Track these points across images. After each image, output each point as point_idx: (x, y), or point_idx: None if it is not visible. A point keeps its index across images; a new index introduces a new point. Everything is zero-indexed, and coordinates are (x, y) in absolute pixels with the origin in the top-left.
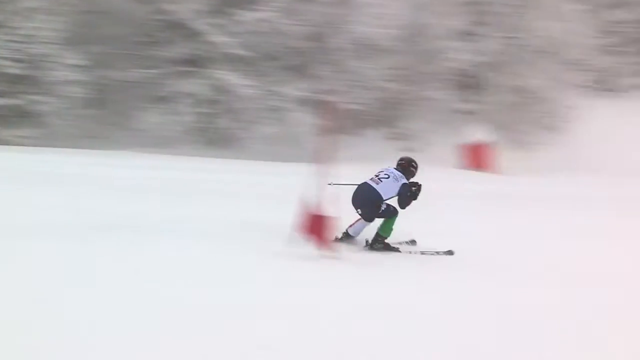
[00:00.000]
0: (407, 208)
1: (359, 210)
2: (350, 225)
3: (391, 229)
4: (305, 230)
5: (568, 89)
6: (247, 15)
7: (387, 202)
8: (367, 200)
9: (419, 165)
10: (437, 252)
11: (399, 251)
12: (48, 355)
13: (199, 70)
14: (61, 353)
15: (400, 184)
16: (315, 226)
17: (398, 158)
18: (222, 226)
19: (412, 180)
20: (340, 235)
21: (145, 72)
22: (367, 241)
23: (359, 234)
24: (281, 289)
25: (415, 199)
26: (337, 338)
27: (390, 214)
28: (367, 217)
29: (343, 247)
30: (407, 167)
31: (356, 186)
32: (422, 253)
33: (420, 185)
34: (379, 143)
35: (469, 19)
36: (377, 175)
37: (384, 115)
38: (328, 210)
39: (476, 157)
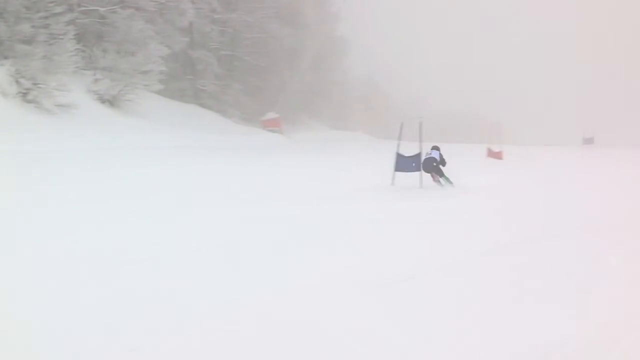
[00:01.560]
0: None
1: (431, 172)
2: (435, 180)
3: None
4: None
5: None
6: None
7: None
8: (429, 164)
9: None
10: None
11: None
12: None
13: None
14: None
15: (439, 153)
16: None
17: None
18: None
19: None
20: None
21: None
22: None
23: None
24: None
25: (444, 162)
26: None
27: (442, 166)
28: (437, 172)
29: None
30: (437, 148)
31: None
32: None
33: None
34: None
35: None
36: (428, 153)
37: None
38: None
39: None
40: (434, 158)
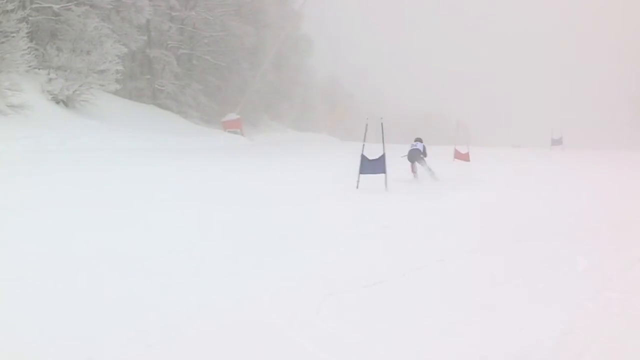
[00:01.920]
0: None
1: (415, 161)
2: (414, 171)
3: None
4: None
5: None
6: None
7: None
8: (415, 154)
9: None
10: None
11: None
12: None
13: None
14: None
15: (422, 145)
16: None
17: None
18: None
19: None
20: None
21: None
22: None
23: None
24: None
25: (426, 154)
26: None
27: (425, 157)
28: (420, 161)
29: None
30: (420, 140)
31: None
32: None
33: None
34: None
35: None
36: (413, 144)
37: None
38: None
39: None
40: (419, 149)
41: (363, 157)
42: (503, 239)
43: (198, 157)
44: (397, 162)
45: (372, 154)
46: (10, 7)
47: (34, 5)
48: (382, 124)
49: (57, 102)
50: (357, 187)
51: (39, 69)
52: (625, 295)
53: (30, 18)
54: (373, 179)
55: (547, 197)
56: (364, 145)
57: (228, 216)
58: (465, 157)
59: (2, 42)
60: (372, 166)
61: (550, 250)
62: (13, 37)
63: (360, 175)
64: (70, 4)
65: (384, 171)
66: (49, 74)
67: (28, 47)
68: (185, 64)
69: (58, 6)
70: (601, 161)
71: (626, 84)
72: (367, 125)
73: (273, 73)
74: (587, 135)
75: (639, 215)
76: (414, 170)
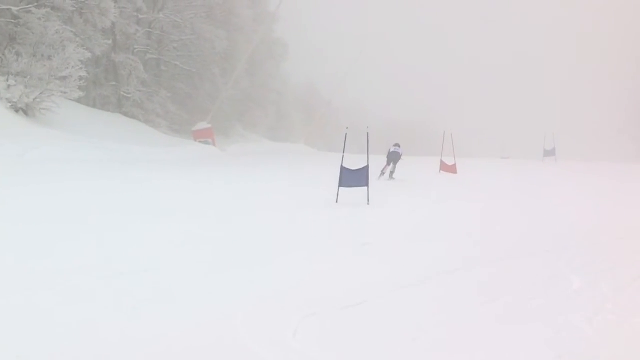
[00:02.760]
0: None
1: (392, 162)
2: (389, 172)
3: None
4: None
5: None
6: None
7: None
8: (396, 157)
9: None
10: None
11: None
12: None
13: None
14: None
15: (400, 149)
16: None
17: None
18: None
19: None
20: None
21: None
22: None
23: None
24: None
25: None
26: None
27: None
28: (395, 163)
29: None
30: (398, 145)
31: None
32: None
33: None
34: None
35: None
36: (392, 148)
37: None
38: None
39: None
40: (399, 153)
41: (343, 169)
42: (492, 255)
43: (166, 169)
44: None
45: (353, 165)
46: None
47: None
48: (367, 133)
49: (17, 111)
50: (337, 201)
51: None
52: (623, 317)
53: None
54: (354, 192)
55: (539, 211)
56: (343, 156)
57: (198, 230)
58: (451, 169)
59: None
60: (354, 178)
61: (543, 266)
62: None
63: (340, 188)
64: (30, 6)
65: (366, 184)
66: (7, 80)
67: None
68: (153, 70)
69: (17, 8)
70: (595, 173)
71: (621, 93)
72: (346, 134)
73: (246, 79)
74: (581, 146)
75: (634, 230)
76: (385, 170)
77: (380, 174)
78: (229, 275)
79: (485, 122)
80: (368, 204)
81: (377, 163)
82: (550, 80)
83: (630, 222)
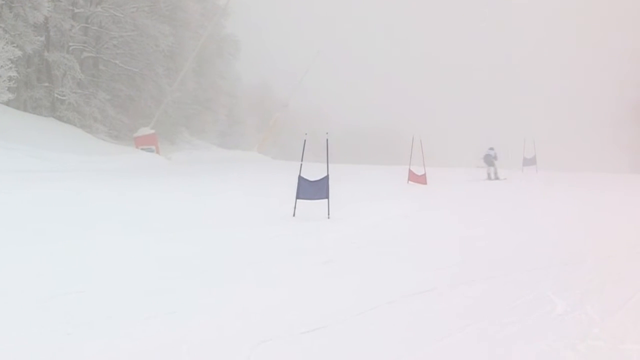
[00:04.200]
0: None
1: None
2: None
3: None
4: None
5: None
6: None
7: None
8: (488, 158)
9: None
10: None
11: None
12: None
13: None
14: None
15: (493, 151)
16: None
17: None
18: None
19: None
20: None
21: None
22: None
23: None
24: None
25: None
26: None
27: None
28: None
29: None
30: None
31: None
32: None
33: None
34: None
35: None
36: (487, 151)
37: None
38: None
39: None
40: (490, 155)
41: (301, 179)
42: (467, 275)
43: (105, 179)
44: (341, 185)
45: (312, 175)
46: None
47: None
48: (327, 140)
49: None
50: (294, 215)
51: None
52: (611, 343)
53: None
54: (313, 206)
55: (519, 225)
56: (301, 165)
57: (141, 248)
58: (421, 180)
59: None
60: (313, 190)
61: (523, 287)
62: None
63: (298, 200)
64: None
65: (326, 196)
66: None
67: None
68: (90, 70)
69: None
70: (581, 184)
71: (609, 101)
72: (305, 141)
73: (194, 80)
74: (567, 155)
75: (622, 247)
76: (490, 173)
77: (487, 178)
78: (174, 297)
79: (460, 129)
80: (329, 217)
81: (337, 172)
82: (532, 85)
83: (618, 239)
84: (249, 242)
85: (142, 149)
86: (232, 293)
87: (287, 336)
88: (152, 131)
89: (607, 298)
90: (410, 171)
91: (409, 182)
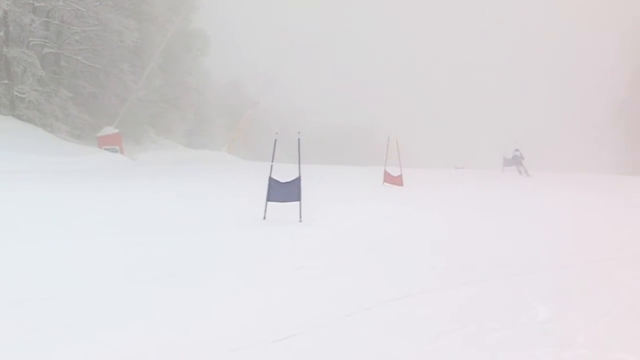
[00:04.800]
0: None
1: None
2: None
3: None
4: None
5: None
6: None
7: None
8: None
9: None
10: None
11: None
12: None
13: None
14: None
15: (518, 152)
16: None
17: None
18: None
19: None
20: None
21: None
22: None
23: None
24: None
25: None
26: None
27: None
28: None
29: None
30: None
31: None
32: None
33: None
34: None
35: None
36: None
37: None
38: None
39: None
40: (517, 155)
41: (272, 181)
42: (444, 280)
43: (69, 181)
44: (314, 187)
45: (284, 176)
46: None
47: None
48: (299, 139)
49: None
50: (265, 218)
51: None
52: (596, 352)
53: None
54: (284, 208)
55: (500, 229)
56: (272, 165)
57: (105, 252)
58: (397, 181)
59: None
60: (284, 192)
61: (505, 293)
62: None
63: (269, 203)
64: None
65: (298, 198)
66: None
67: None
68: (51, 66)
69: None
70: (565, 185)
71: (594, 102)
72: (276, 141)
73: (160, 77)
74: (551, 156)
75: (609, 251)
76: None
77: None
78: (138, 305)
79: (439, 129)
80: (300, 221)
81: (310, 173)
82: (515, 84)
83: (604, 242)
84: (217, 246)
85: (105, 149)
86: (200, 300)
87: (257, 345)
88: (116, 130)
89: (592, 305)
90: (385, 172)
91: (385, 183)
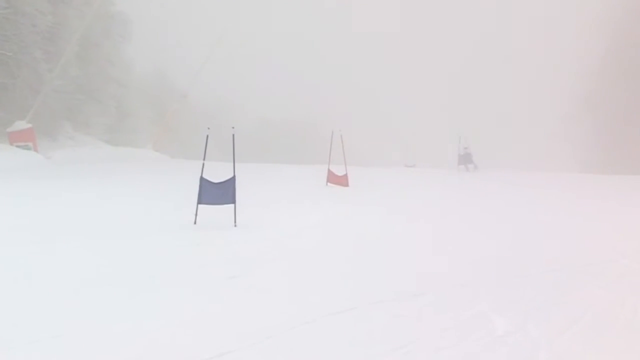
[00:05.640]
0: None
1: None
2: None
3: None
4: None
5: None
6: None
7: None
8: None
9: None
10: None
11: None
12: None
13: None
14: None
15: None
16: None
17: None
18: None
19: None
20: None
21: None
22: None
23: None
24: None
25: None
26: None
27: None
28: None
29: None
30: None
31: None
32: None
33: None
34: None
35: None
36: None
37: None
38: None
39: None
40: (469, 154)
41: (203, 181)
42: (392, 291)
43: None
44: (250, 188)
45: (216, 176)
46: None
47: None
48: (233, 135)
49: None
50: (195, 222)
51: None
52: None
53: None
54: (217, 211)
55: (451, 234)
56: (203, 164)
57: (9, 263)
58: (342, 181)
59: None
60: (217, 193)
61: (459, 305)
62: None
63: (200, 205)
64: None
65: (232, 201)
66: None
67: None
68: None
69: None
70: (525, 184)
71: (559, 97)
72: (208, 137)
73: (77, 66)
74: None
75: (572, 259)
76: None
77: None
78: (58, 321)
79: (388, 125)
80: (235, 225)
81: (245, 173)
82: (477, 79)
83: (565, 249)
84: (140, 255)
85: (17, 146)
86: (118, 317)
87: None
88: (29, 125)
89: (554, 318)
90: (329, 171)
91: (328, 184)
